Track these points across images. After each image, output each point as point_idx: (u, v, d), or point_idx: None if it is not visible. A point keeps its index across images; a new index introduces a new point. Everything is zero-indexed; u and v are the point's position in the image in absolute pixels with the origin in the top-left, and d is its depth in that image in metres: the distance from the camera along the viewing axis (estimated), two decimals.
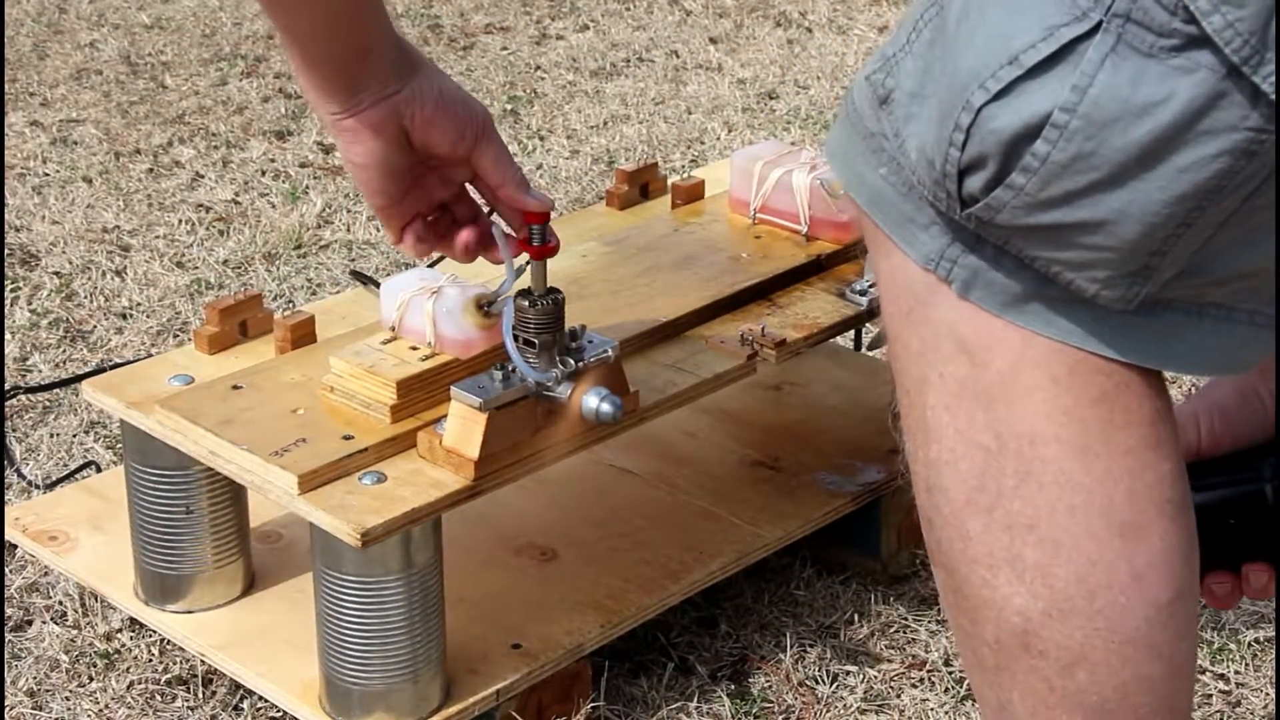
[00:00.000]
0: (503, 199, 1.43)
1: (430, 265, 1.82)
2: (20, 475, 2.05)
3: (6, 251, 2.65)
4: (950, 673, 1.75)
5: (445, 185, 1.43)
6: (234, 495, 1.65)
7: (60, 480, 2.03)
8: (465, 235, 1.45)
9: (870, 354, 2.19)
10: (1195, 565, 1.11)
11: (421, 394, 1.51)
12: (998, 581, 1.10)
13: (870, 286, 1.76)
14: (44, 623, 1.82)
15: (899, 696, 1.72)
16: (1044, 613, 1.09)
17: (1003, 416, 1.06)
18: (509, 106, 3.33)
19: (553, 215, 1.46)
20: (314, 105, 1.34)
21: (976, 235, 1.03)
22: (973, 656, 1.15)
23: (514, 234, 1.46)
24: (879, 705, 1.72)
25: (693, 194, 1.96)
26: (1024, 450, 1.06)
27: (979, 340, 1.06)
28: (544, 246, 1.45)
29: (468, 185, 1.45)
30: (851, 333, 2.19)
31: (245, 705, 1.70)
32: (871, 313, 1.77)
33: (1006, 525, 1.08)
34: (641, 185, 2.00)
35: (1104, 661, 1.09)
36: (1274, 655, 1.67)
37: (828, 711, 1.70)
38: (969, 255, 1.04)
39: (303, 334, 1.65)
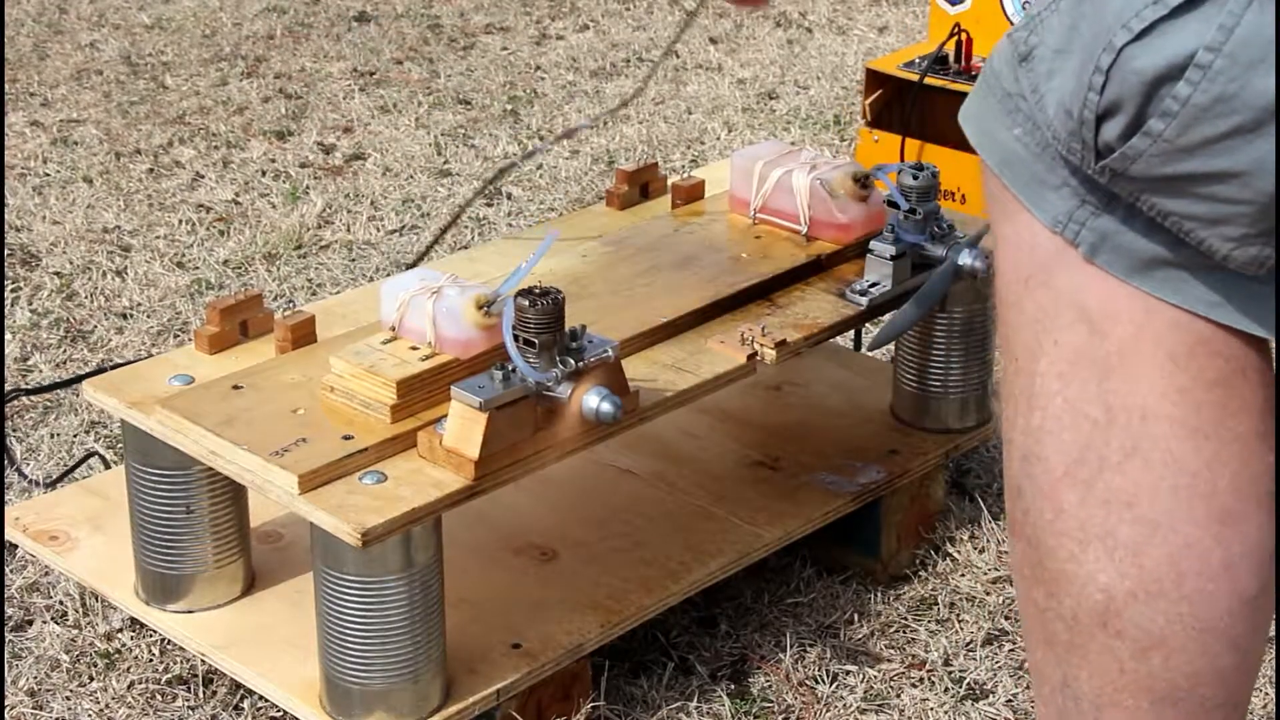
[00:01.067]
0: None
1: (416, 264, 1.82)
2: (21, 474, 2.05)
3: (7, 251, 2.65)
4: (950, 673, 1.75)
5: None
6: (234, 495, 1.65)
7: (63, 476, 2.03)
8: None
9: (870, 354, 2.19)
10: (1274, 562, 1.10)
11: (421, 394, 1.51)
12: (1086, 557, 1.09)
13: (870, 287, 1.76)
14: (44, 623, 1.82)
15: (899, 696, 1.73)
16: (1129, 592, 1.08)
17: (1116, 389, 1.05)
18: (509, 106, 3.33)
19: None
20: None
21: (1108, 196, 1.02)
22: (1042, 632, 1.14)
23: None
24: (879, 705, 1.72)
25: (693, 194, 1.96)
26: (1134, 425, 1.05)
27: (1101, 309, 1.04)
28: None
29: None
30: (851, 333, 2.19)
31: (245, 705, 1.70)
32: (871, 313, 1.77)
33: (1104, 500, 1.07)
34: (641, 185, 2.00)
35: (1181, 648, 1.08)
36: (1274, 655, 1.67)
37: (828, 711, 1.71)
38: (1099, 217, 1.03)
39: (303, 334, 1.65)
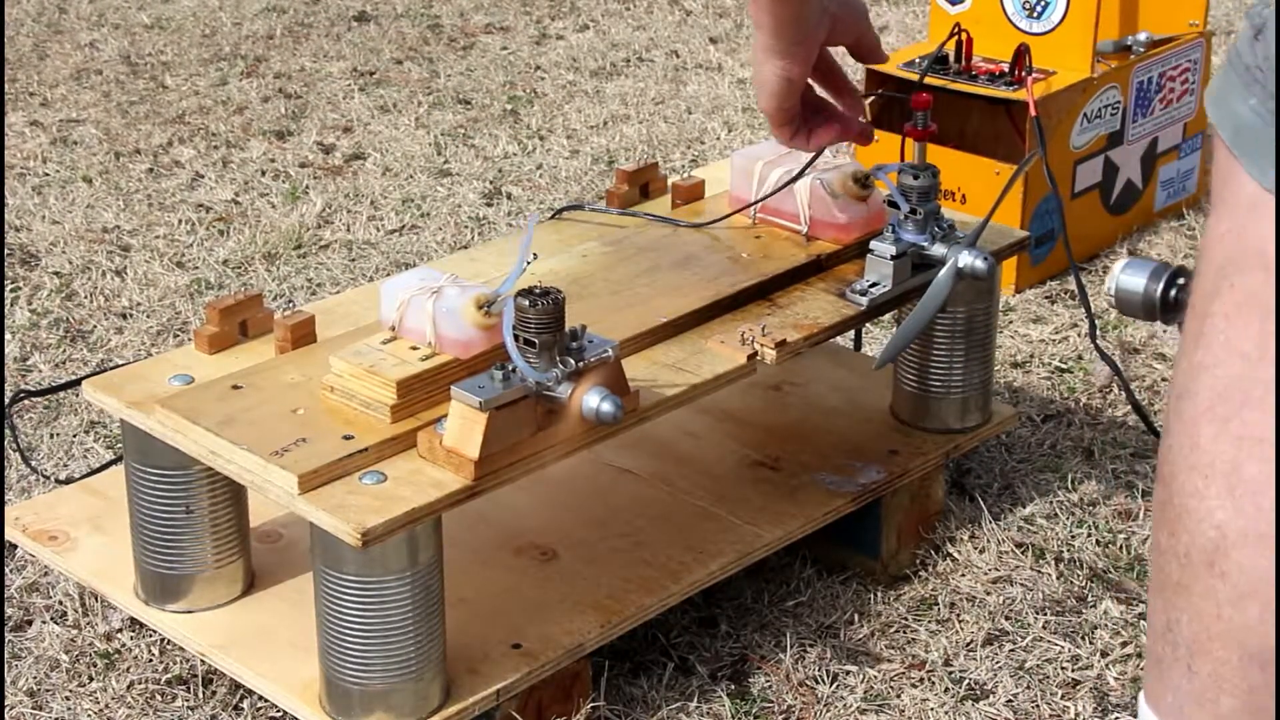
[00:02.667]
0: (869, 60, 1.65)
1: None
2: (32, 468, 2.05)
3: (6, 251, 2.65)
4: (950, 673, 1.75)
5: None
6: (234, 495, 1.65)
7: (83, 478, 2.02)
8: (828, 130, 1.64)
9: (872, 357, 2.19)
10: None
11: (421, 394, 1.51)
12: (1209, 492, 1.11)
13: (871, 287, 1.75)
14: (44, 623, 1.82)
15: (899, 696, 1.72)
16: (1241, 532, 1.10)
17: (1272, 330, 1.08)
18: (509, 106, 3.33)
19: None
20: (775, 42, 1.52)
21: None
22: (1159, 575, 1.16)
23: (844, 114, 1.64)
24: (879, 705, 1.71)
25: (693, 194, 1.96)
26: None
27: None
28: (927, 129, 1.74)
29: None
30: (851, 333, 2.19)
31: (245, 705, 1.70)
32: (871, 313, 1.77)
33: (1238, 436, 1.10)
34: (642, 185, 2.00)
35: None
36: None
37: (828, 711, 1.70)
38: None
39: (303, 334, 1.65)
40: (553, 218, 1.95)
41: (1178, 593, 1.15)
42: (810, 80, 1.60)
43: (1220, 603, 1.12)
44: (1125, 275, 1.68)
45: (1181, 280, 1.65)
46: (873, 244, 1.77)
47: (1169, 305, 1.66)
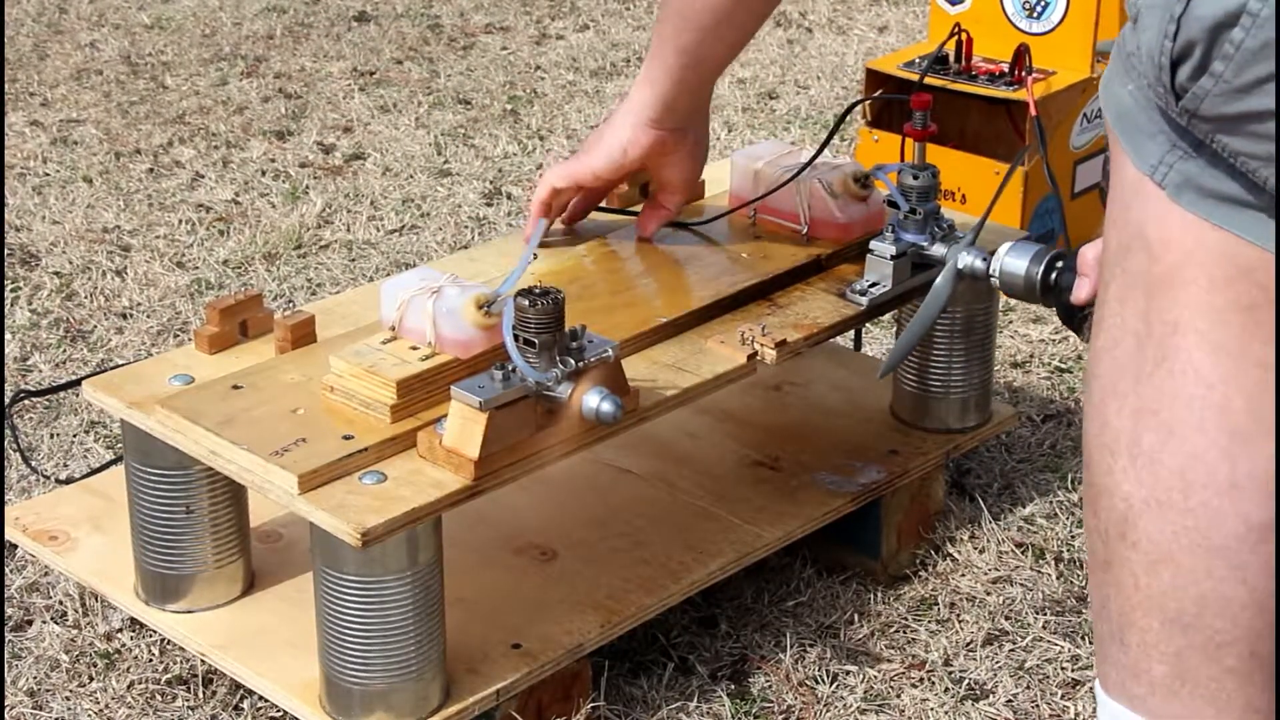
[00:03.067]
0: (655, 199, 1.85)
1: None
2: (32, 468, 2.05)
3: (6, 251, 2.65)
4: (950, 673, 1.75)
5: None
6: (234, 495, 1.65)
7: (84, 477, 2.02)
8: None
9: (870, 356, 2.19)
10: None
11: (421, 394, 1.51)
12: (1116, 466, 1.16)
13: (871, 287, 1.75)
14: (44, 623, 1.82)
15: (899, 696, 1.72)
16: (1144, 501, 1.15)
17: (1157, 305, 1.14)
18: (509, 106, 3.33)
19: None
20: (654, 111, 1.71)
21: (1196, 143, 1.11)
22: (1091, 558, 1.21)
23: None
24: (879, 705, 1.71)
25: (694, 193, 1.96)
26: (1165, 338, 1.13)
27: (1159, 237, 1.13)
28: (926, 129, 1.82)
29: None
30: (851, 332, 2.19)
31: (245, 705, 1.70)
32: (871, 313, 1.77)
33: (1135, 409, 1.15)
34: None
35: (1188, 566, 1.14)
36: (1273, 655, 1.67)
37: (828, 711, 1.70)
38: (1186, 161, 1.12)
39: (303, 334, 1.65)
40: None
41: (1106, 571, 1.19)
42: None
43: (1136, 572, 1.16)
44: (1009, 257, 1.73)
45: (1060, 264, 1.70)
46: (872, 244, 1.77)
47: (1048, 288, 1.71)
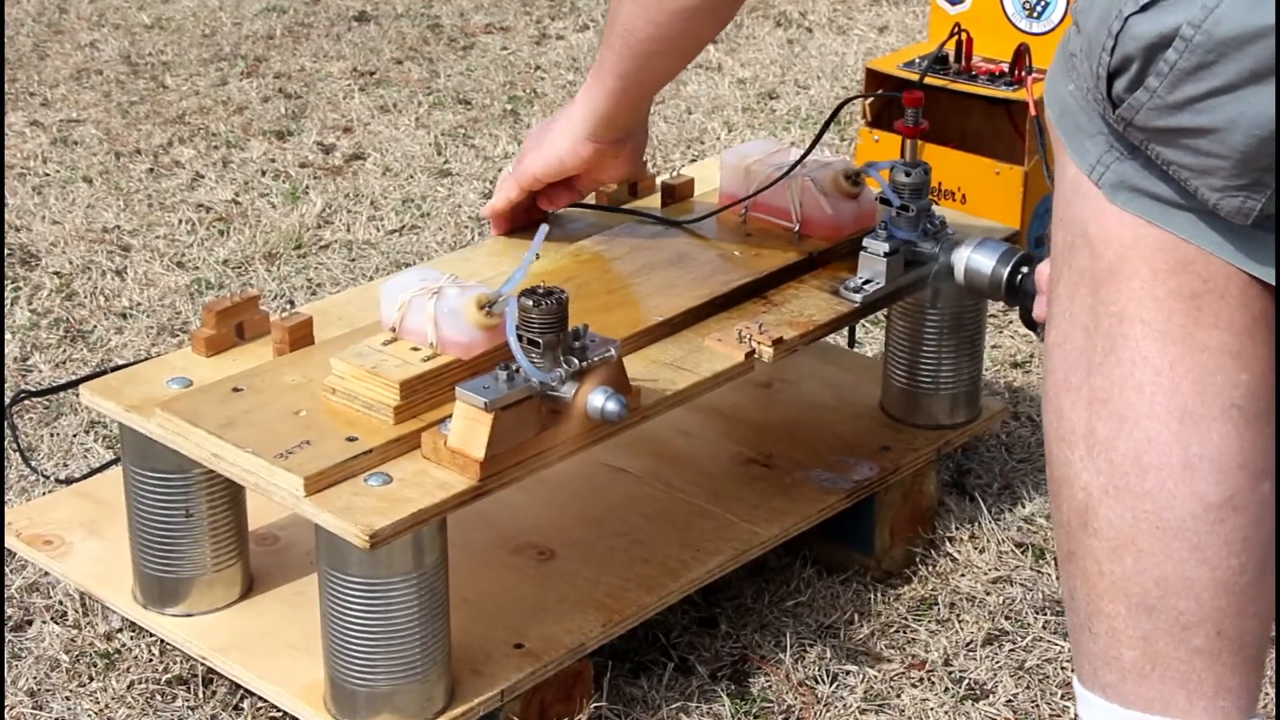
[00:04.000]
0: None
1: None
2: (32, 469, 2.05)
3: (6, 251, 2.65)
4: (950, 673, 1.75)
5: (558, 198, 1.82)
6: (233, 498, 1.64)
7: (84, 478, 2.02)
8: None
9: (858, 351, 2.19)
10: (1258, 484, 1.17)
11: (424, 395, 1.51)
12: (1073, 457, 1.19)
13: (864, 284, 1.76)
14: (44, 623, 1.82)
15: (899, 696, 1.73)
16: (1102, 489, 1.17)
17: (1103, 299, 1.17)
18: (509, 106, 3.33)
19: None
20: (594, 127, 1.74)
21: (1131, 146, 1.15)
22: (1059, 551, 1.24)
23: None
24: (879, 705, 1.72)
25: (683, 192, 1.96)
26: (1112, 328, 1.17)
27: (1100, 234, 1.17)
28: (918, 127, 1.83)
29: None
30: (845, 329, 2.19)
31: (245, 705, 1.70)
32: (865, 310, 1.77)
33: (1089, 400, 1.18)
34: (630, 184, 2.00)
35: (1148, 549, 1.16)
36: (1274, 655, 1.67)
37: (828, 711, 1.71)
38: (1123, 162, 1.16)
39: (300, 335, 1.65)
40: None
41: (1071, 561, 1.21)
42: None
43: (1099, 559, 1.19)
44: (976, 254, 1.77)
45: (1026, 268, 1.74)
46: (866, 241, 1.78)
47: (1013, 290, 1.75)
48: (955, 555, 1.92)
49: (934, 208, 1.82)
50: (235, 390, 1.56)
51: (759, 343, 1.66)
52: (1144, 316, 1.16)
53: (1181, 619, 1.17)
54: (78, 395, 2.20)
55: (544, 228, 1.53)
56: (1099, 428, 1.17)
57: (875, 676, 1.75)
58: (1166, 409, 1.15)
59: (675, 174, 2.00)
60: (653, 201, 1.98)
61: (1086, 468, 1.18)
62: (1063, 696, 1.72)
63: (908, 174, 1.79)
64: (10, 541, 1.76)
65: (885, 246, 1.76)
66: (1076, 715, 1.33)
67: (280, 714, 1.68)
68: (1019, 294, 1.74)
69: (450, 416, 1.47)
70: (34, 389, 2.23)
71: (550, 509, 1.81)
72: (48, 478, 2.05)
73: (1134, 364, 1.16)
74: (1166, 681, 1.19)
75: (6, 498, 2.02)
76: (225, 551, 1.66)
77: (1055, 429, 1.21)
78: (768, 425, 1.96)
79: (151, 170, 3.00)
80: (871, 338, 2.38)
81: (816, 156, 1.85)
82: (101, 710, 1.70)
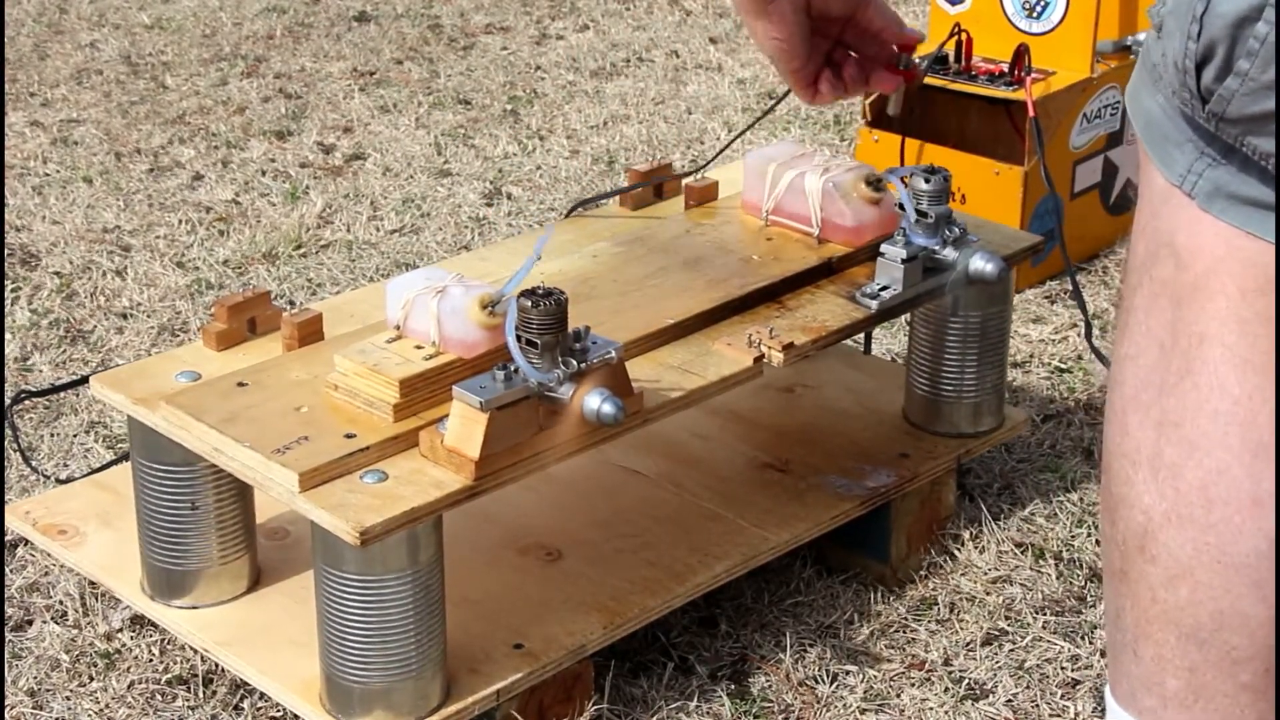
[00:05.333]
0: (886, 39, 1.58)
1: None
2: (33, 468, 2.05)
3: (6, 251, 2.65)
4: (950, 673, 1.75)
5: (824, 41, 1.57)
6: (239, 491, 1.65)
7: (85, 476, 2.02)
8: (851, 69, 1.59)
9: (881, 359, 2.19)
10: None
11: (425, 393, 1.51)
12: (1136, 478, 1.15)
13: (881, 290, 1.75)
14: (44, 622, 1.82)
15: (899, 696, 1.73)
16: (1165, 515, 1.13)
17: (1184, 316, 1.12)
18: (509, 106, 3.33)
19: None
20: (744, 2, 1.48)
21: (1225, 149, 1.10)
22: (1107, 565, 1.20)
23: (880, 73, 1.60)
24: (879, 705, 1.72)
25: (706, 195, 1.96)
26: (1191, 349, 1.12)
27: (1190, 244, 1.12)
28: (913, 71, 1.63)
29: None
30: (862, 335, 2.18)
31: (245, 705, 1.70)
32: (880, 316, 1.76)
33: (1158, 421, 1.13)
34: (656, 186, 2.00)
35: (1207, 582, 1.12)
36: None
37: (828, 711, 1.71)
38: (1215, 168, 1.11)
39: (310, 331, 1.66)
40: (569, 213, 1.96)
41: (1122, 581, 1.18)
42: (843, 38, 1.59)
43: (1153, 585, 1.15)
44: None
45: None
46: (883, 247, 1.77)
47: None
48: (955, 555, 1.92)
49: (954, 214, 1.80)
50: (240, 385, 1.57)
51: (769, 347, 1.65)
52: (1226, 340, 1.11)
53: (1233, 654, 1.14)
54: (78, 395, 2.21)
55: (549, 227, 1.53)
56: (1167, 451, 1.13)
57: (875, 676, 1.75)
58: (1241, 441, 1.10)
59: (700, 177, 2.00)
60: (676, 204, 1.98)
61: (1149, 491, 1.14)
62: (1063, 697, 1.72)
63: (928, 180, 1.78)
64: (25, 530, 1.77)
65: (903, 253, 1.75)
66: None
67: (281, 714, 1.68)
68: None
69: (448, 415, 1.47)
70: (34, 389, 2.22)
71: (559, 510, 1.81)
72: (48, 478, 2.05)
73: (1210, 390, 1.11)
74: (1210, 714, 1.16)
75: (7, 498, 2.02)
76: (231, 545, 1.66)
77: (1119, 444, 1.17)
78: (786, 430, 1.96)
79: (151, 170, 3.00)
80: (900, 341, 2.38)
81: (840, 160, 1.84)
82: (101, 710, 1.70)
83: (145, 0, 3.98)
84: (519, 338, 1.47)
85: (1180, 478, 1.12)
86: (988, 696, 1.73)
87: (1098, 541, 1.95)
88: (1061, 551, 1.94)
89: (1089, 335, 2.16)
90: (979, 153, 2.52)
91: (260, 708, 1.69)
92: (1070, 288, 2.55)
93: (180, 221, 2.77)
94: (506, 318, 1.47)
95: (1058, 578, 1.90)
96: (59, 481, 2.02)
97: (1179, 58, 1.09)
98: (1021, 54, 2.46)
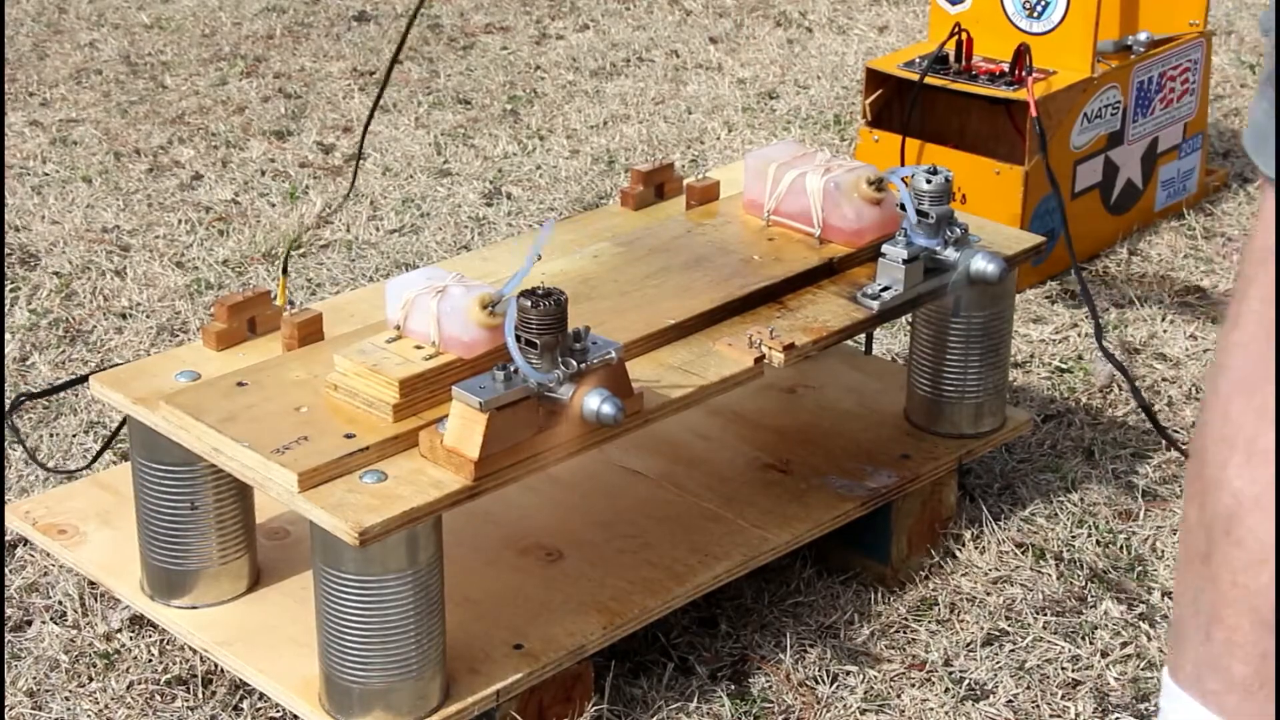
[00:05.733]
0: None
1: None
2: (39, 464, 2.05)
3: (6, 251, 2.65)
4: (950, 673, 1.75)
5: None
6: (239, 491, 1.65)
7: (83, 469, 2.02)
8: None
9: (882, 359, 2.19)
10: None
11: (424, 393, 1.51)
12: (1231, 462, 1.15)
13: (882, 290, 1.75)
14: (44, 623, 1.82)
15: (899, 696, 1.72)
16: (1254, 499, 1.14)
17: None
18: (509, 106, 3.33)
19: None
20: None
21: None
22: (1187, 549, 1.21)
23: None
24: (879, 705, 1.71)
25: (707, 195, 1.96)
26: None
27: None
28: None
29: None
30: (863, 335, 2.18)
31: (245, 705, 1.69)
32: (881, 317, 1.76)
33: (1260, 410, 1.14)
34: (657, 186, 2.00)
35: None
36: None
37: (828, 711, 1.70)
38: None
39: (310, 331, 1.65)
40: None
41: (1205, 563, 1.18)
42: None
43: (1235, 569, 1.15)
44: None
45: None
46: (885, 247, 1.77)
47: None
48: (956, 555, 1.92)
49: (955, 214, 1.80)
50: (240, 385, 1.57)
51: (770, 348, 1.65)
52: None
53: None
54: (78, 395, 2.21)
55: (549, 224, 1.53)
56: (1263, 440, 1.14)
57: (875, 677, 1.75)
58: None
59: (701, 176, 2.00)
60: (677, 205, 1.98)
61: (1242, 475, 1.15)
62: (1063, 697, 1.72)
63: (929, 181, 1.78)
64: (25, 529, 1.77)
65: (904, 253, 1.75)
66: (1158, 706, 1.30)
67: (280, 714, 1.68)
68: None
69: (448, 415, 1.47)
70: (34, 390, 2.22)
71: (560, 510, 1.80)
72: (55, 472, 2.05)
73: None
74: (1272, 703, 1.17)
75: (7, 498, 2.02)
76: (231, 545, 1.66)
77: (1218, 429, 1.18)
78: (788, 430, 1.95)
79: (151, 170, 3.00)
80: (901, 342, 2.38)
81: (841, 161, 1.84)
82: (101, 710, 1.70)
83: (145, 0, 3.98)
84: (519, 338, 1.46)
85: (1272, 465, 1.13)
86: (988, 697, 1.72)
87: (1098, 541, 1.95)
88: (1062, 552, 1.94)
89: (1099, 336, 2.15)
90: (979, 152, 2.52)
91: (260, 708, 1.69)
92: (1078, 288, 2.54)
93: (180, 221, 2.77)
94: (506, 318, 1.47)
95: (1058, 578, 1.89)
96: (65, 475, 2.02)
97: None
98: (1022, 54, 2.46)
